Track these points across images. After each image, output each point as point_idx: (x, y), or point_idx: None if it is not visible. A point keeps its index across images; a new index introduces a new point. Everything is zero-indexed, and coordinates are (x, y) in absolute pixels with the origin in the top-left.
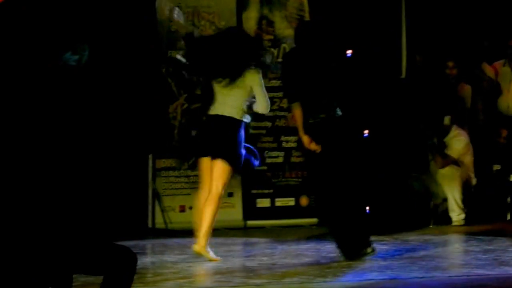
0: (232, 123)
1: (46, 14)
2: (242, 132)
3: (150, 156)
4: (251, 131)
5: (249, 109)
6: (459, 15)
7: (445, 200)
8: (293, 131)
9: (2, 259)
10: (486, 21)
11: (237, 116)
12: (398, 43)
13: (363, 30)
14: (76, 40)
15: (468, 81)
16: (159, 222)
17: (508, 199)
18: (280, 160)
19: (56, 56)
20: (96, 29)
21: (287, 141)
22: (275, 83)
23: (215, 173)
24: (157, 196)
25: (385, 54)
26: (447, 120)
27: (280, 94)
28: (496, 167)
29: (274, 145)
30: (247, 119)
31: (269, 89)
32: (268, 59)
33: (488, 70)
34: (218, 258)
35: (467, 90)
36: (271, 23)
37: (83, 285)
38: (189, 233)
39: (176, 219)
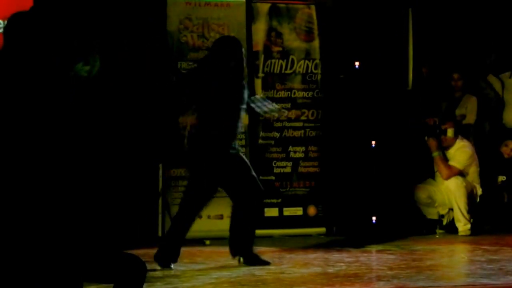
0: None
1: (57, 24)
2: None
3: (161, 166)
4: (260, 141)
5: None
6: (465, 27)
7: (451, 210)
8: (301, 141)
9: (8, 265)
10: (493, 33)
11: None
12: (405, 55)
13: (370, 42)
14: (88, 51)
15: (474, 93)
16: None
17: None
18: (288, 170)
19: (68, 66)
20: (107, 40)
21: (295, 151)
22: (283, 94)
23: None
24: (167, 205)
25: (391, 66)
26: (450, 132)
27: (288, 105)
28: (501, 178)
29: (282, 155)
30: None
31: (277, 100)
32: None
33: (494, 82)
34: None
35: (472, 101)
36: (280, 35)
37: None
38: (198, 242)
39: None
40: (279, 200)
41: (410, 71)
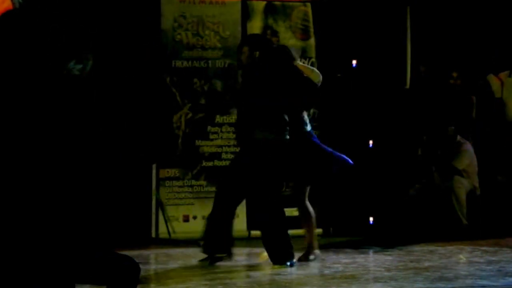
0: None
1: (50, 22)
2: None
3: (154, 166)
4: None
5: None
6: (464, 25)
7: (449, 210)
8: None
9: (3, 266)
10: (492, 31)
11: None
12: (403, 53)
13: (368, 40)
14: (80, 49)
15: (473, 92)
16: (163, 232)
17: None
18: None
19: (61, 64)
20: (101, 38)
21: None
22: None
23: None
24: (160, 205)
25: (389, 65)
26: (450, 131)
27: None
28: (501, 178)
29: None
30: None
31: None
32: None
33: (494, 81)
34: None
35: (471, 100)
36: (275, 33)
37: None
38: (192, 243)
39: (180, 229)
40: None
41: (408, 70)
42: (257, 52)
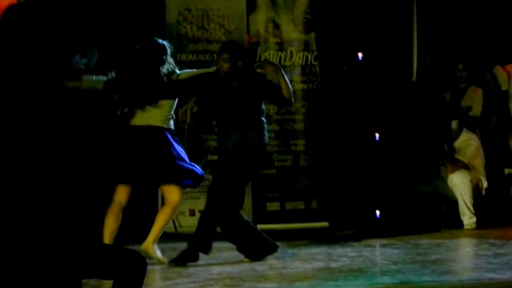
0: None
1: (55, 17)
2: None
3: None
4: None
5: None
6: (471, 17)
7: (456, 204)
8: (302, 134)
9: (6, 264)
10: (500, 23)
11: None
12: (409, 45)
13: (374, 32)
14: (85, 44)
15: (479, 84)
16: (169, 226)
17: None
18: (289, 163)
19: (66, 59)
20: (105, 32)
21: (296, 145)
22: None
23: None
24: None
25: (395, 57)
26: (454, 124)
27: None
28: (508, 170)
29: (283, 148)
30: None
31: None
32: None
33: (501, 73)
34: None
35: (478, 93)
36: (277, 26)
37: None
38: None
39: (186, 223)
40: (281, 194)
41: (414, 62)
42: (240, 62)
